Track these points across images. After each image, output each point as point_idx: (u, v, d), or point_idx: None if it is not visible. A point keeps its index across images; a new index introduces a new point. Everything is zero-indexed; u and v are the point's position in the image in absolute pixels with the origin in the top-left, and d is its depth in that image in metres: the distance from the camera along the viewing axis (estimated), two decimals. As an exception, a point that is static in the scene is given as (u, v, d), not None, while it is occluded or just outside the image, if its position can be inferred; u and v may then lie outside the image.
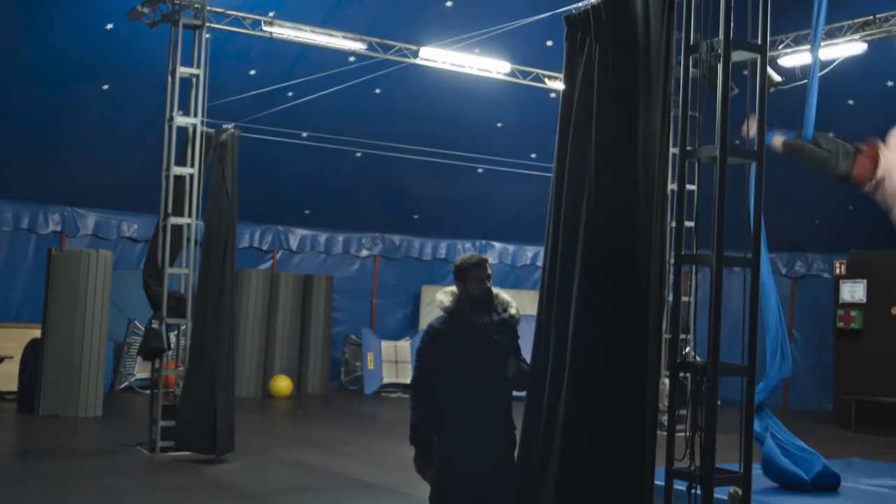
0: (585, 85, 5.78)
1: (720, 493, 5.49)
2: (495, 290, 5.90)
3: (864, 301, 16.54)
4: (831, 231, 18.78)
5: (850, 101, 14.64)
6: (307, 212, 19.17)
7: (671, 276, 6.28)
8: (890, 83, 15.45)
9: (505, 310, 5.86)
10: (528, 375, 5.82)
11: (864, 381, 15.57)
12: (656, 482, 5.61)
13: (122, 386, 17.20)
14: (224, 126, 11.70)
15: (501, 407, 5.80)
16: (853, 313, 16.64)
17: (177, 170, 11.75)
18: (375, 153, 16.87)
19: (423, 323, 19.78)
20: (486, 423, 5.70)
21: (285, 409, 16.97)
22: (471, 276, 5.83)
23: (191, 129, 11.85)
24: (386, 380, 19.07)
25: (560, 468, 5.48)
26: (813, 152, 9.36)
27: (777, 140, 9.56)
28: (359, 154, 17.24)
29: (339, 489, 10.04)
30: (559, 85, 6.26)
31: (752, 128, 9.40)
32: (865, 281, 16.50)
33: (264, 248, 19.51)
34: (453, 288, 5.93)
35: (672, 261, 5.89)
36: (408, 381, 18.65)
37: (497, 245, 20.97)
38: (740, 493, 5.62)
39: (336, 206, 18.82)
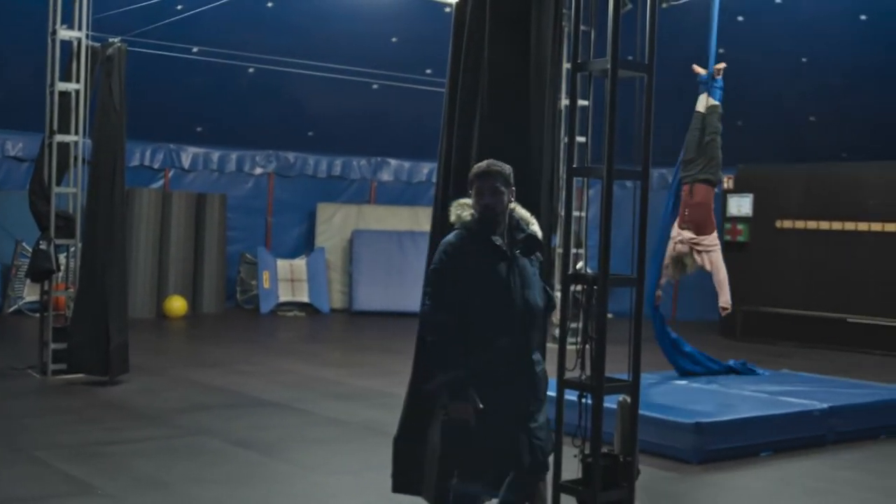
0: (478, -1, 5.77)
1: (610, 402, 5.64)
2: (512, 205, 5.10)
3: (751, 215, 17.01)
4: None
5: (740, 18, 14.83)
6: (199, 129, 18.78)
7: (563, 192, 6.36)
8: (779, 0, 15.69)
9: (528, 225, 5.13)
10: (554, 303, 5.27)
11: (750, 293, 16.05)
12: (548, 393, 5.75)
13: (11, 310, 16.80)
14: (111, 40, 11.36)
15: (524, 339, 5.01)
16: (739, 226, 17.11)
17: (62, 86, 11.38)
18: (268, 68, 16.54)
19: (320, 241, 19.72)
20: (506, 358, 4.95)
21: (180, 329, 16.82)
22: (474, 189, 5.04)
23: (75, 44, 11.46)
24: (282, 298, 19.00)
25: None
26: (703, 135, 10.14)
27: (704, 100, 10.22)
28: (251, 70, 16.89)
29: (238, 407, 10.04)
30: (453, -1, 6.18)
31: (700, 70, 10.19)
32: (752, 195, 16.95)
33: (155, 166, 19.05)
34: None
35: (564, 175, 5.96)
36: (304, 299, 18.89)
37: (392, 162, 20.84)
38: (629, 400, 5.80)
39: (229, 122, 18.45)
